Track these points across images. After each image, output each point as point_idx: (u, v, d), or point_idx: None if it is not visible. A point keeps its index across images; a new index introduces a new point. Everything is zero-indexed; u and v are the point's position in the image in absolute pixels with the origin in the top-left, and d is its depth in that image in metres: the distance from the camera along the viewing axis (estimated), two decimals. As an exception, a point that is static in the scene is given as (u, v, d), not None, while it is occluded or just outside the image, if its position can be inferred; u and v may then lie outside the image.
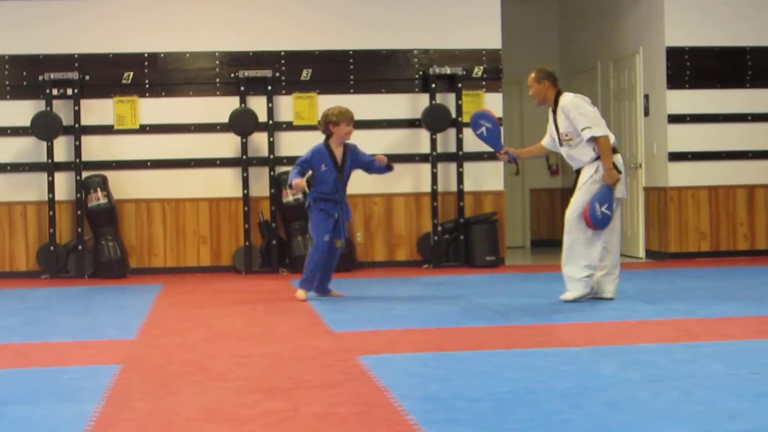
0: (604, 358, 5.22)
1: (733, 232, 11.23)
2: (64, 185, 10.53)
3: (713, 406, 4.11)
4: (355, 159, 8.11)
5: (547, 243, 13.76)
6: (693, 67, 11.14)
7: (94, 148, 10.60)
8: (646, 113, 11.48)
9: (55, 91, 10.45)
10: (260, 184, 10.69)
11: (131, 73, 10.67)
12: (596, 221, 7.37)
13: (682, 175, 11.11)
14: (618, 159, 7.48)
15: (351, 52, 10.90)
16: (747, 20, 11.29)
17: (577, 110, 7.41)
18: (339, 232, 8.00)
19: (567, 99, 7.49)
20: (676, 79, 11.09)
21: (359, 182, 10.81)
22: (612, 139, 7.46)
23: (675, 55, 11.12)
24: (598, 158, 7.41)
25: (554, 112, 7.59)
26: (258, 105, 10.62)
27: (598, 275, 7.56)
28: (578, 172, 7.60)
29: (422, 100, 10.87)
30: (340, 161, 8.02)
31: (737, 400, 4.20)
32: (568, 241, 7.50)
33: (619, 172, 7.42)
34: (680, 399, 4.28)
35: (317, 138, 10.84)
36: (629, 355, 5.31)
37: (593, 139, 7.36)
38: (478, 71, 11.04)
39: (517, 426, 3.82)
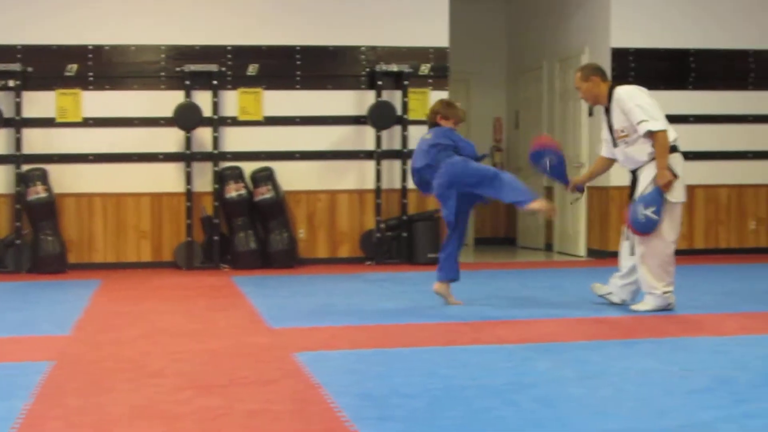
0: (539, 355, 5.25)
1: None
2: (4, 178, 10.37)
3: (645, 402, 4.15)
4: None
5: (491, 241, 13.85)
6: (638, 68, 11.24)
7: (36, 141, 10.45)
8: (591, 113, 11.55)
9: (-4, 83, 10.31)
10: (203, 180, 10.62)
11: (75, 66, 10.54)
12: (638, 225, 6.66)
13: (623, 175, 11.15)
14: (675, 159, 6.72)
15: (298, 48, 10.85)
16: (693, 22, 11.42)
17: (633, 101, 6.71)
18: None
19: (622, 90, 6.80)
20: (621, 80, 11.09)
21: (304, 178, 10.82)
22: (673, 135, 6.70)
23: (620, 55, 11.21)
24: None
25: (607, 110, 6.90)
26: (203, 99, 10.54)
27: (619, 283, 7.05)
28: (634, 174, 6.86)
29: (368, 97, 10.86)
30: None
31: (669, 397, 4.24)
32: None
33: (675, 175, 6.66)
34: (613, 396, 4.31)
35: (262, 133, 10.89)
36: (564, 352, 5.35)
37: (650, 135, 6.65)
38: (424, 69, 11.05)
39: (451, 422, 3.83)
